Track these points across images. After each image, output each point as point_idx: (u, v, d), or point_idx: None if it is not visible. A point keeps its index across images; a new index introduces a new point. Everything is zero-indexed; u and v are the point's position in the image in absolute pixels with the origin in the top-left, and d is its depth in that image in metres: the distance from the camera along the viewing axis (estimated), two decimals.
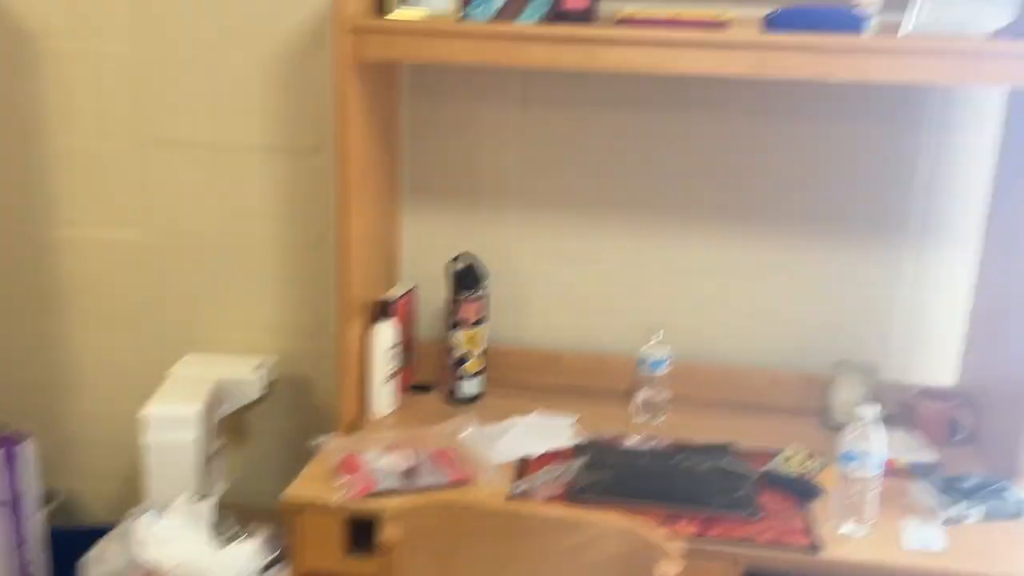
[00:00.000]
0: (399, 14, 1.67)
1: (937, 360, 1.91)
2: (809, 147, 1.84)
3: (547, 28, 1.53)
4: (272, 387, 2.06)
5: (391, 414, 1.82)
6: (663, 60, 1.50)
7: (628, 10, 1.65)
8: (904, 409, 1.82)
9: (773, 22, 1.50)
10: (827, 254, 1.89)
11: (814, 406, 1.87)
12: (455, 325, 1.86)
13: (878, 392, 1.81)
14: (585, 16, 1.73)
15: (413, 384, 1.95)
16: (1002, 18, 1.51)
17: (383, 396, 1.80)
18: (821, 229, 1.88)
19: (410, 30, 1.56)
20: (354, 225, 1.68)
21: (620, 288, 1.97)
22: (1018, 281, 1.64)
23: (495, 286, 1.95)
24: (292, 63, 1.93)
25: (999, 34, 1.48)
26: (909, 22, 1.63)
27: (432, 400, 1.90)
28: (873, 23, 1.63)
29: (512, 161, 1.94)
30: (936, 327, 1.90)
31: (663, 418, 1.83)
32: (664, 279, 1.95)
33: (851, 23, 1.49)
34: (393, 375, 1.82)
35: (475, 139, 1.94)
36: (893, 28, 1.65)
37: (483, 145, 1.94)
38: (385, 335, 1.78)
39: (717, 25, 1.62)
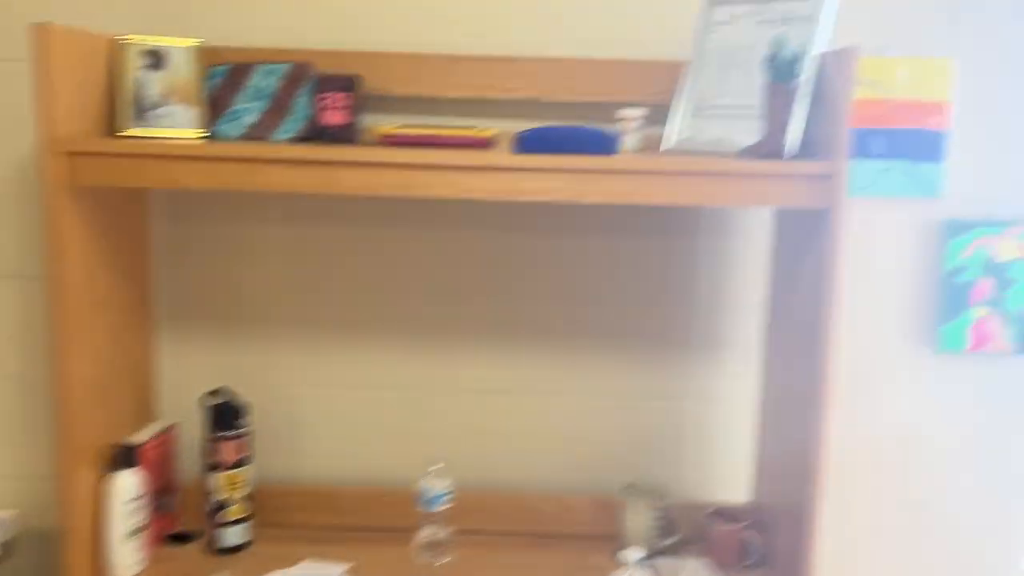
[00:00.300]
0: (132, 133, 1.53)
1: (730, 476, 1.86)
2: (589, 261, 1.79)
3: (284, 150, 1.42)
4: (11, 545, 1.80)
5: (138, 575, 1.60)
6: (409, 183, 1.41)
7: (388, 127, 1.57)
8: (699, 531, 1.75)
9: (524, 143, 1.44)
10: (613, 370, 1.82)
11: (609, 532, 1.77)
12: (213, 467, 1.67)
13: (671, 514, 1.74)
14: (345, 133, 1.65)
15: (174, 534, 1.74)
16: (753, 135, 1.51)
17: (126, 555, 1.58)
18: (605, 345, 1.82)
19: (129, 153, 1.41)
20: (76, 362, 1.48)
21: (400, 415, 1.84)
22: (797, 392, 1.61)
23: (267, 419, 1.79)
24: (17, 184, 1.75)
25: (747, 152, 1.47)
26: (669, 139, 1.62)
27: (191, 553, 1.69)
28: (632, 140, 1.62)
29: (280, 283, 1.80)
30: (726, 441, 1.85)
31: (447, 558, 1.69)
32: (446, 403, 1.83)
33: (603, 145, 1.44)
34: (140, 529, 1.61)
35: (239, 260, 1.79)
36: (656, 142, 1.65)
37: (248, 266, 1.80)
38: (126, 485, 1.57)
39: (480, 142, 1.56)
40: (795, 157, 1.45)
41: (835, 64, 1.42)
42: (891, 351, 1.81)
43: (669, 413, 1.84)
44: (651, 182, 1.40)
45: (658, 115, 1.65)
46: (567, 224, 1.78)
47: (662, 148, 1.63)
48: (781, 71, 1.43)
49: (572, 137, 1.45)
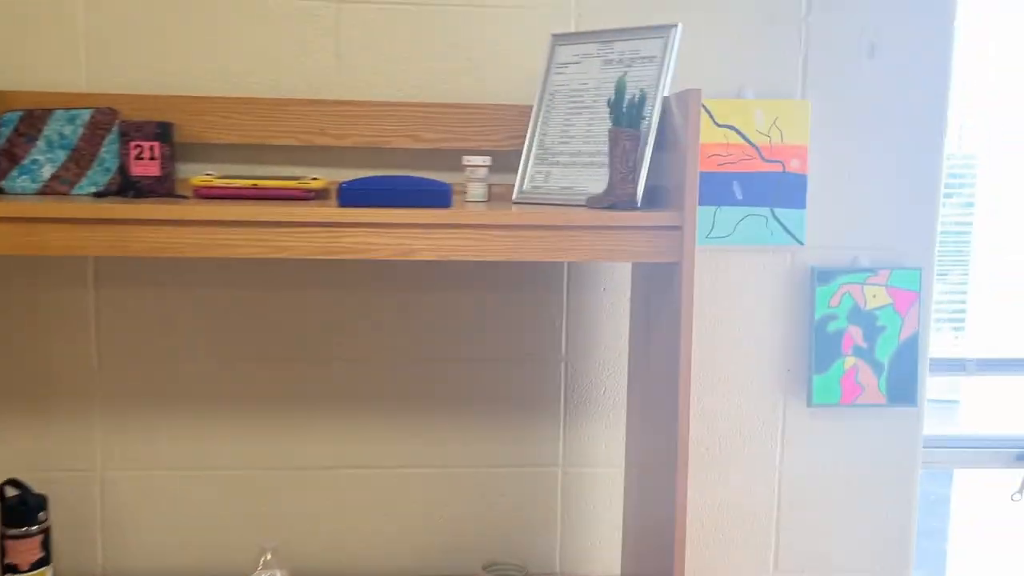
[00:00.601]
0: None
1: (602, 547, 1.72)
2: (441, 317, 1.66)
3: (67, 208, 1.24)
4: None
5: None
6: (212, 243, 1.24)
7: (201, 178, 1.41)
8: None
9: (347, 196, 1.30)
10: (471, 437, 1.68)
11: None
12: (6, 570, 1.46)
13: None
14: (158, 185, 1.48)
15: None
16: (601, 183, 1.40)
17: None
18: (461, 410, 1.68)
19: None
20: None
21: (230, 496, 1.65)
22: (657, 454, 1.49)
23: (74, 509, 1.58)
24: None
25: (592, 202, 1.35)
26: (519, 188, 1.50)
27: None
28: (479, 189, 1.50)
29: (91, 352, 1.60)
30: (597, 510, 1.72)
31: None
32: (281, 481, 1.65)
33: (436, 197, 1.31)
34: None
35: (42, 328, 1.59)
36: (506, 191, 1.53)
37: (52, 335, 1.59)
38: None
39: (306, 194, 1.42)
40: (643, 207, 1.34)
41: (680, 107, 1.33)
42: (763, 406, 1.72)
43: (534, 481, 1.70)
44: (484, 237, 1.27)
45: (510, 161, 1.54)
46: (414, 278, 1.65)
47: (513, 197, 1.51)
48: (625, 115, 1.33)
49: (402, 188, 1.31)
